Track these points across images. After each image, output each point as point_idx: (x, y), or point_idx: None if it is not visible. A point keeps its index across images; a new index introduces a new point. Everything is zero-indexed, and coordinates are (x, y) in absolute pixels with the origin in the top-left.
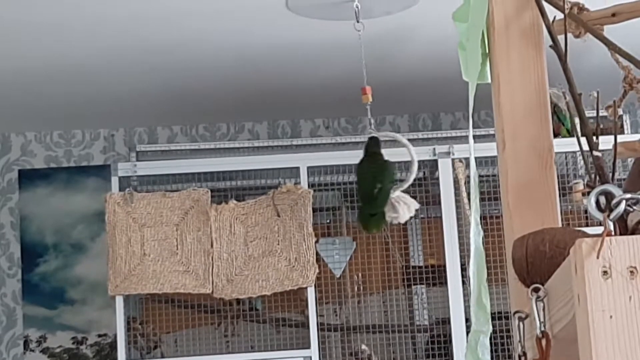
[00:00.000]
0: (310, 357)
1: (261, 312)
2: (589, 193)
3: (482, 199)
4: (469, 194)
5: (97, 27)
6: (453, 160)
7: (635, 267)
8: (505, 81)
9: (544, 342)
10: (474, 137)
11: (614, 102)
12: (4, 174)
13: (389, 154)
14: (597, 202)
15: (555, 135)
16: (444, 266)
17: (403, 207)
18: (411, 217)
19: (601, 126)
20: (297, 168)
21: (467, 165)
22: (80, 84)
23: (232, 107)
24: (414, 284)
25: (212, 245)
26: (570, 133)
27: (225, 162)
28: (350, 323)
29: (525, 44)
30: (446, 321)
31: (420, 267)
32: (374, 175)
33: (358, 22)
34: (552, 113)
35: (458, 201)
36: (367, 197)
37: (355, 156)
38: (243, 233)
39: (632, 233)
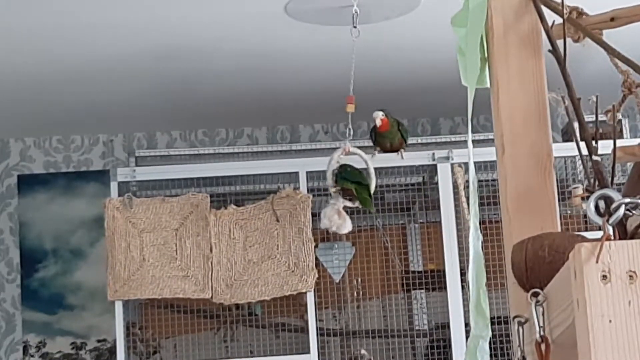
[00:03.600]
0: None
1: (260, 317)
2: (588, 197)
3: (481, 204)
4: (468, 199)
5: (96, 33)
6: (452, 165)
7: (634, 272)
8: (504, 86)
9: (543, 346)
10: (473, 141)
11: (613, 106)
12: (3, 179)
13: (385, 159)
14: (597, 207)
15: (394, 151)
16: (443, 271)
17: (347, 219)
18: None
19: (600, 131)
20: (296, 173)
21: (466, 170)
22: (79, 90)
23: (231, 112)
24: (414, 289)
25: (211, 250)
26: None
27: (224, 167)
28: (349, 328)
29: (524, 49)
30: (445, 326)
31: (419, 272)
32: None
33: (355, 27)
34: (397, 130)
35: (457, 206)
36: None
37: (353, 161)
38: (242, 238)
39: (632, 237)
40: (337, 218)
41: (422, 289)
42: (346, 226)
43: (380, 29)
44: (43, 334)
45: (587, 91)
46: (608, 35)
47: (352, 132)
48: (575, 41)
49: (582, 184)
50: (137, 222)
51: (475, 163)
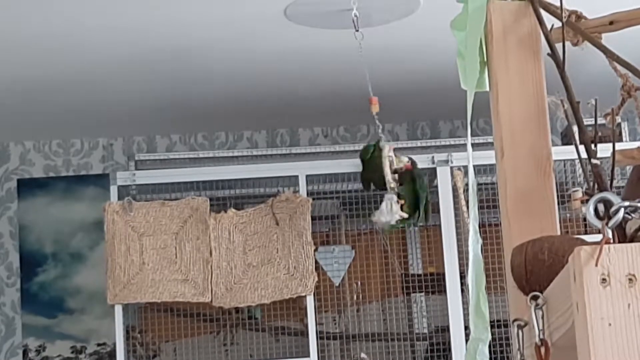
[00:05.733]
0: None
1: (260, 320)
2: (587, 201)
3: (480, 207)
4: (467, 202)
5: (96, 37)
6: (452, 168)
7: (633, 275)
8: (503, 89)
9: (543, 350)
10: (473, 145)
11: (612, 110)
12: (3, 183)
13: None
14: (596, 210)
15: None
16: (443, 274)
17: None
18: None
19: (599, 134)
20: (296, 176)
21: (466, 173)
22: (79, 93)
23: (231, 115)
24: (413, 292)
25: (211, 254)
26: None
27: (224, 171)
28: (349, 331)
29: (523, 52)
30: (445, 329)
31: (419, 275)
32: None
33: (357, 30)
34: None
35: (457, 209)
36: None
37: (353, 164)
38: (242, 242)
39: (631, 241)
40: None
41: (421, 292)
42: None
43: (379, 32)
44: (43, 338)
45: (586, 94)
46: (607, 38)
47: (381, 129)
48: (574, 45)
49: (582, 188)
50: (136, 226)
51: (474, 166)
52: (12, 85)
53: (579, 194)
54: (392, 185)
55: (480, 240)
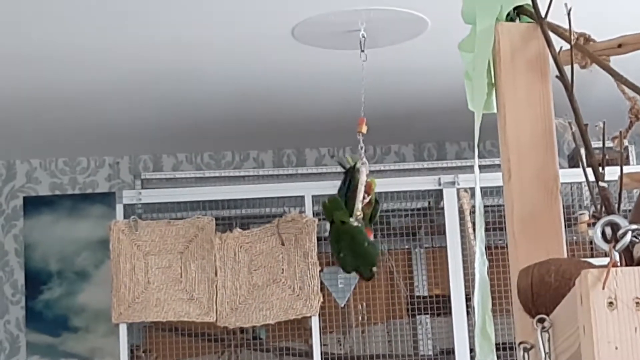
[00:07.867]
0: None
1: (265, 341)
2: (594, 224)
3: (487, 229)
4: (474, 224)
5: (102, 56)
6: (458, 190)
7: None
8: (511, 111)
9: None
10: (480, 167)
11: (620, 133)
12: (9, 200)
13: (391, 184)
14: (603, 233)
15: None
16: (449, 296)
17: None
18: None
19: (607, 157)
20: (302, 197)
21: (473, 195)
22: (86, 112)
23: (238, 135)
24: (418, 314)
25: (216, 274)
26: None
27: (230, 191)
28: (354, 353)
29: (531, 74)
30: (450, 351)
31: (424, 297)
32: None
33: (363, 51)
34: None
35: (463, 231)
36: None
37: None
38: (247, 261)
39: (638, 264)
40: None
41: (427, 314)
42: None
43: (387, 53)
44: (47, 356)
45: (594, 117)
46: (615, 61)
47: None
48: (583, 67)
49: (589, 210)
50: (142, 245)
51: (481, 188)
52: (19, 103)
53: (586, 217)
54: (359, 213)
55: (487, 263)
